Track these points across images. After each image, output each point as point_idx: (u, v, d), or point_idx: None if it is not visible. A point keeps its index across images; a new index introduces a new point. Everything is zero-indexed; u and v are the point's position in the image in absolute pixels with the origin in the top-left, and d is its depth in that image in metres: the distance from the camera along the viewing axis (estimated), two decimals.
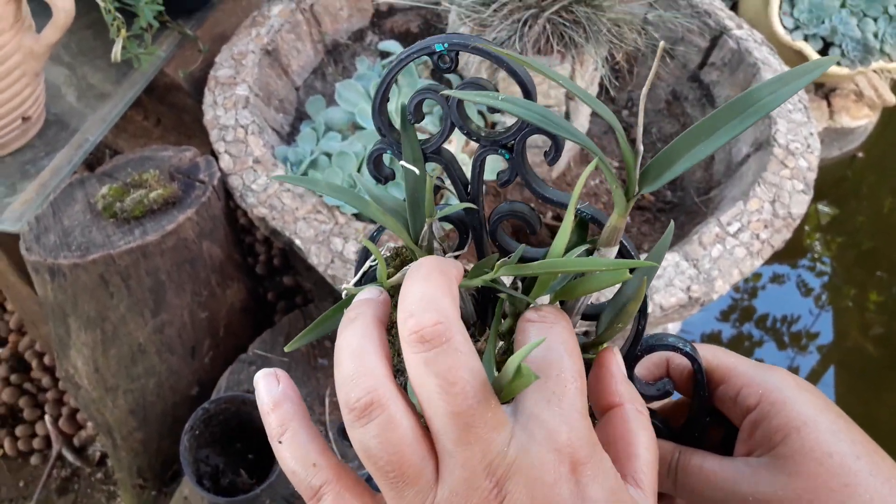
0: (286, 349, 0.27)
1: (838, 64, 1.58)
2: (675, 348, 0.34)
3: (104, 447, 1.35)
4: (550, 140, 0.30)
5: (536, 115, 0.26)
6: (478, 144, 0.31)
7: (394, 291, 0.30)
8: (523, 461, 0.25)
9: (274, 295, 1.43)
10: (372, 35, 1.41)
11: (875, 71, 1.68)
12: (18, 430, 1.38)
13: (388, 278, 0.30)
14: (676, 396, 0.38)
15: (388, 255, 0.32)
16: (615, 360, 0.31)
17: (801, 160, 1.02)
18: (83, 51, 1.26)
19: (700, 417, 0.36)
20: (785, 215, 0.96)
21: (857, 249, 2.02)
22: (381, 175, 0.32)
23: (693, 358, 0.35)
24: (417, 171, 0.30)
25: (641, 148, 0.26)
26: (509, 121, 1.09)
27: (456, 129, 0.31)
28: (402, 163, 0.30)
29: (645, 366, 0.36)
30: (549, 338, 0.27)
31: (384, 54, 1.35)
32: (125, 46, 1.14)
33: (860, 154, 1.91)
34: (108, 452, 1.27)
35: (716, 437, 0.37)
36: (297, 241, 1.01)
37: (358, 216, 1.05)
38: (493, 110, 1.19)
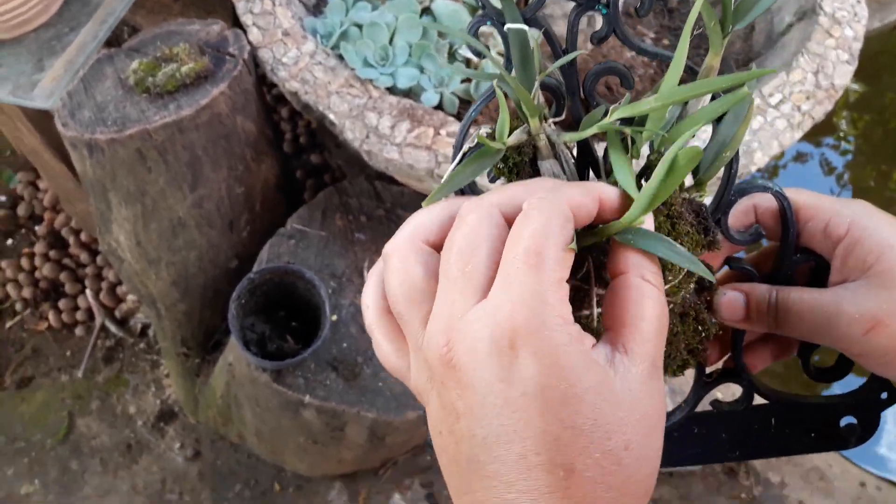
0: (424, 204, 0.29)
1: None
2: (764, 188, 0.37)
3: (148, 318, 1.41)
4: None
5: None
6: (574, 3, 0.32)
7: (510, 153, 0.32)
8: (469, 330, 0.28)
9: (303, 172, 1.44)
10: None
11: None
12: (61, 304, 1.44)
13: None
14: (764, 243, 0.40)
15: (488, 132, 0.33)
16: None
17: (847, 29, 0.99)
18: None
19: (789, 256, 0.38)
20: (828, 86, 0.94)
21: (884, 127, 1.99)
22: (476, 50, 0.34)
23: (782, 196, 0.37)
24: (527, 28, 0.31)
25: None
26: None
27: None
28: (509, 25, 0.31)
29: (734, 216, 0.38)
30: (537, 215, 0.29)
31: None
32: None
33: None
34: (152, 323, 1.33)
35: (803, 277, 0.39)
36: (331, 116, 1.00)
37: (391, 90, 1.04)
38: None
